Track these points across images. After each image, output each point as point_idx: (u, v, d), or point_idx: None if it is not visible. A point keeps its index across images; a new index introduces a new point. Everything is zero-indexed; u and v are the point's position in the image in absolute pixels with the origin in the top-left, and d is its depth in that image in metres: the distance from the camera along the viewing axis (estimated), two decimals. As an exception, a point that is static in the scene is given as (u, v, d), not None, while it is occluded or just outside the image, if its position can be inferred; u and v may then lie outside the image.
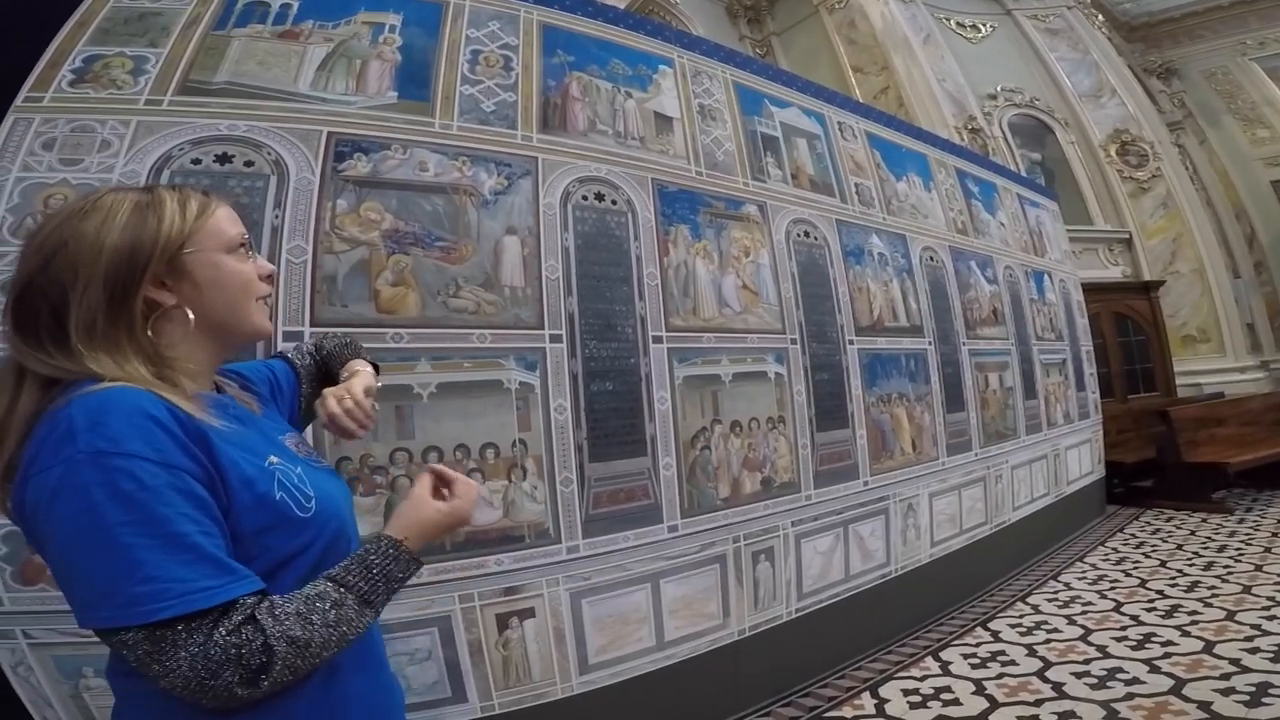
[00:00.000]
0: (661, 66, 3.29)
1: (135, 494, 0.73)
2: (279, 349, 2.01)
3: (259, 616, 0.77)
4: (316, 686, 0.86)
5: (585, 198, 2.77)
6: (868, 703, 2.93)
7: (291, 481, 0.89)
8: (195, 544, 0.76)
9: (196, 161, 2.08)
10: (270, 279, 1.01)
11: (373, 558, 0.88)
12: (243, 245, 0.96)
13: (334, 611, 0.82)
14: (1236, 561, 4.35)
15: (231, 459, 0.83)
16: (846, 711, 2.87)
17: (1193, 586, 3.97)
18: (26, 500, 0.76)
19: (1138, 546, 5.01)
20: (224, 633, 0.74)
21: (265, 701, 0.79)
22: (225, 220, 0.95)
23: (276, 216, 2.14)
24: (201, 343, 0.92)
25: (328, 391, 1.12)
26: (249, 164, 2.14)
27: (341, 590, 0.84)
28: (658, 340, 2.82)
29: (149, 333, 0.86)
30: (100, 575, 0.73)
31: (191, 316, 0.89)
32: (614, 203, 2.85)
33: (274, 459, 0.90)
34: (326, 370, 1.29)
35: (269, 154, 2.18)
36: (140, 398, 0.78)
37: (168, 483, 0.76)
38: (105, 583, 0.72)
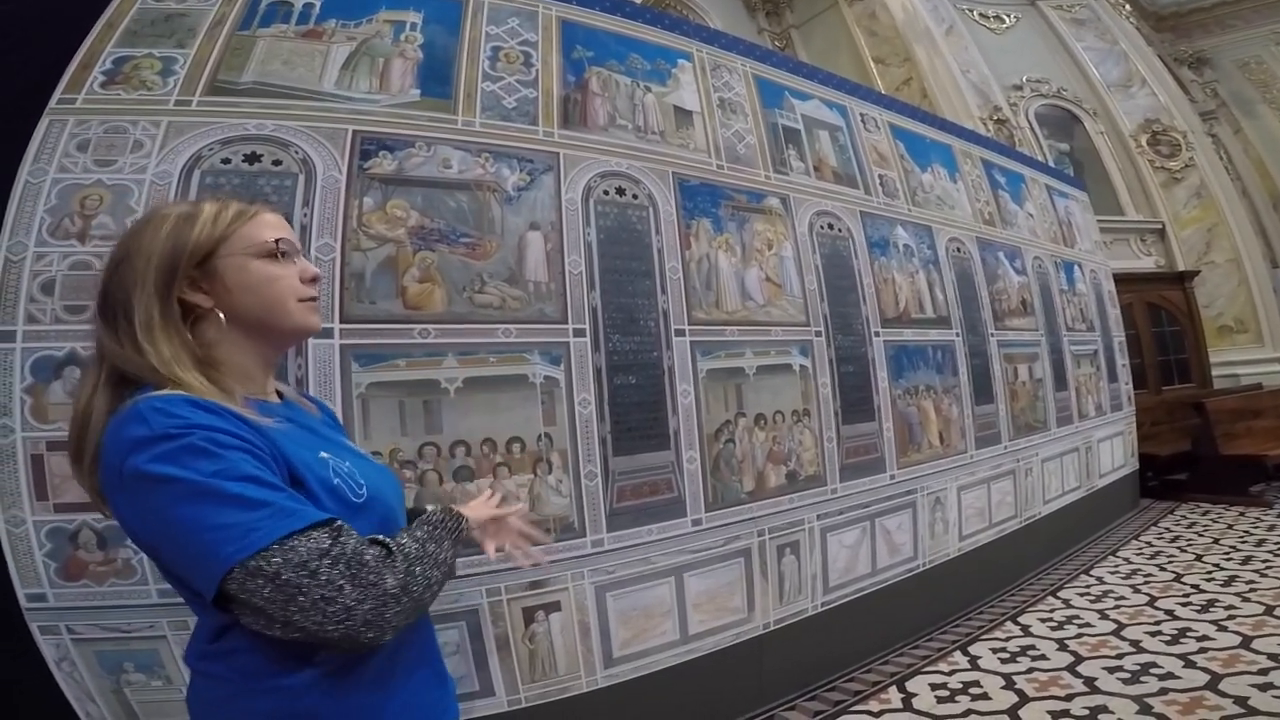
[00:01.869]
0: (680, 60, 3.29)
1: (211, 449, 0.79)
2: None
3: (375, 537, 0.87)
4: (380, 678, 0.91)
5: (606, 192, 2.78)
6: (895, 697, 2.91)
7: (343, 471, 0.95)
8: (273, 482, 0.82)
9: (226, 161, 2.11)
10: (314, 281, 1.04)
11: (430, 515, 1.01)
12: (278, 250, 0.99)
13: (433, 547, 0.92)
14: (1276, 556, 4.25)
15: (289, 445, 0.90)
16: (873, 706, 2.85)
17: (1230, 581, 3.88)
18: (106, 484, 0.83)
19: (1172, 540, 4.92)
20: (342, 534, 0.81)
21: (335, 683, 0.86)
22: (262, 226, 0.99)
23: (305, 214, 2.17)
24: (241, 343, 0.97)
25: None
26: (277, 163, 2.18)
27: (421, 531, 0.95)
28: (680, 334, 2.82)
29: (190, 334, 0.93)
30: (214, 520, 0.77)
31: (222, 317, 0.95)
32: (635, 197, 2.86)
33: (324, 454, 0.96)
34: None
35: (296, 153, 2.21)
36: (196, 399, 0.85)
37: (235, 445, 0.81)
38: (222, 526, 0.77)
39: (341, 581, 0.78)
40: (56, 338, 1.83)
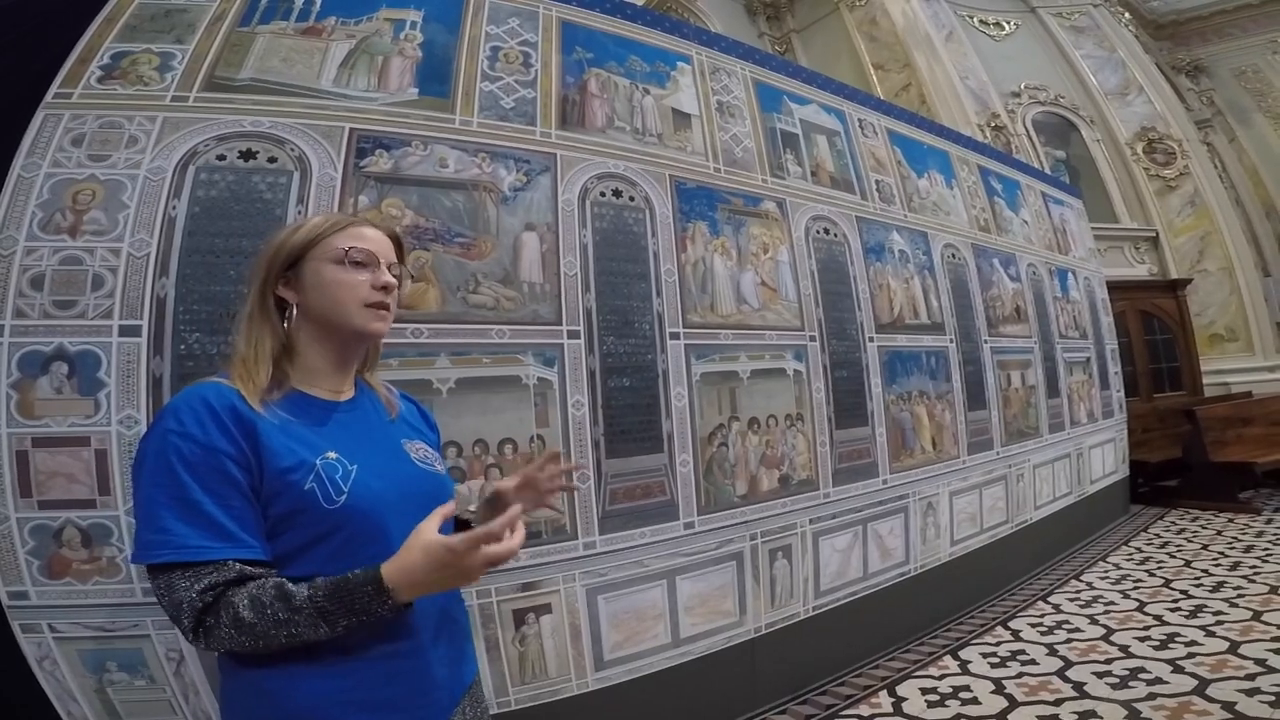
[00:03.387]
0: (680, 63, 3.29)
1: (175, 465, 0.91)
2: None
3: (224, 587, 0.91)
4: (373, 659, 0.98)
5: (603, 194, 2.78)
6: (885, 701, 2.91)
7: (332, 475, 0.99)
8: (205, 511, 0.91)
9: (221, 158, 2.10)
10: (386, 289, 1.11)
11: (350, 584, 0.91)
12: (348, 257, 1.08)
13: (286, 614, 0.90)
14: (1264, 562, 4.28)
15: (273, 450, 0.97)
16: (864, 710, 2.86)
17: (1218, 587, 3.91)
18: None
19: (1162, 546, 4.94)
20: (199, 588, 0.90)
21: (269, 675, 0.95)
22: (345, 236, 1.10)
23: (299, 212, 2.15)
24: (316, 338, 1.10)
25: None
26: (272, 160, 2.16)
27: (307, 598, 0.91)
28: (675, 337, 2.82)
29: (285, 324, 1.09)
30: (140, 523, 0.93)
31: (295, 311, 1.09)
32: (632, 199, 2.85)
33: (331, 454, 1.01)
34: None
35: (292, 150, 2.20)
36: (212, 391, 0.98)
37: (202, 461, 0.92)
38: (140, 529, 0.92)
39: (170, 614, 0.92)
40: (45, 333, 1.82)
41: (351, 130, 2.31)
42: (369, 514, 1.00)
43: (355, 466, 1.01)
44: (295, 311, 1.09)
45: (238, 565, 0.91)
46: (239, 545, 0.92)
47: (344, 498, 0.98)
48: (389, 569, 0.91)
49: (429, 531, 0.92)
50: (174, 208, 2.00)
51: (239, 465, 0.94)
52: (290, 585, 0.91)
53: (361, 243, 1.10)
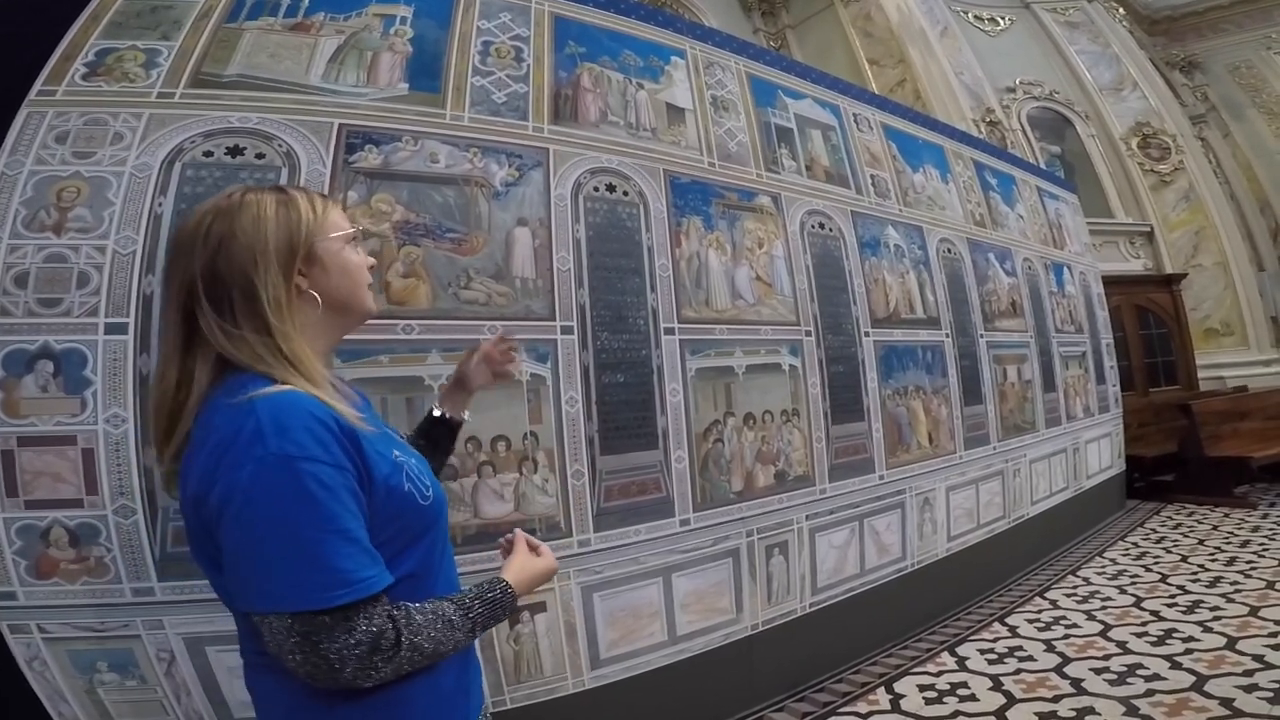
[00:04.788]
0: (674, 58, 3.26)
1: (318, 493, 0.82)
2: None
3: (396, 616, 0.87)
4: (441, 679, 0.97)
5: (597, 189, 2.76)
6: (883, 698, 2.90)
7: (414, 473, 0.98)
8: (359, 537, 0.86)
9: (208, 154, 2.07)
10: (372, 269, 1.10)
11: (490, 594, 1.01)
12: (355, 237, 1.07)
13: (448, 633, 0.91)
14: (1260, 557, 4.28)
15: (374, 458, 0.91)
16: (861, 707, 2.84)
17: (1215, 582, 3.90)
18: (214, 494, 0.83)
19: (1158, 541, 4.94)
20: (378, 622, 0.84)
21: (390, 694, 0.89)
22: (341, 215, 1.06)
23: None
24: (324, 325, 1.02)
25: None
26: (260, 156, 2.14)
27: (460, 615, 0.94)
28: (670, 332, 2.80)
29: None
30: (285, 563, 0.81)
31: (320, 300, 1.00)
32: (625, 194, 2.83)
33: (397, 453, 0.98)
34: (424, 445, 1.44)
35: (280, 146, 2.18)
36: (313, 404, 0.87)
37: (340, 483, 0.85)
38: (290, 570, 0.81)
39: (348, 657, 0.82)
40: (29, 331, 1.79)
41: (341, 126, 2.29)
42: (444, 504, 1.04)
43: (412, 460, 1.01)
44: (301, 297, 1.00)
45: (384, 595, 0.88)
46: (383, 568, 0.88)
47: (431, 492, 0.99)
48: (514, 579, 1.07)
49: (550, 557, 1.18)
50: (160, 204, 1.97)
51: (360, 483, 0.89)
52: (444, 605, 0.94)
53: (348, 219, 1.08)
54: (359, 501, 0.87)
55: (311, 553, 0.81)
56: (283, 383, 0.89)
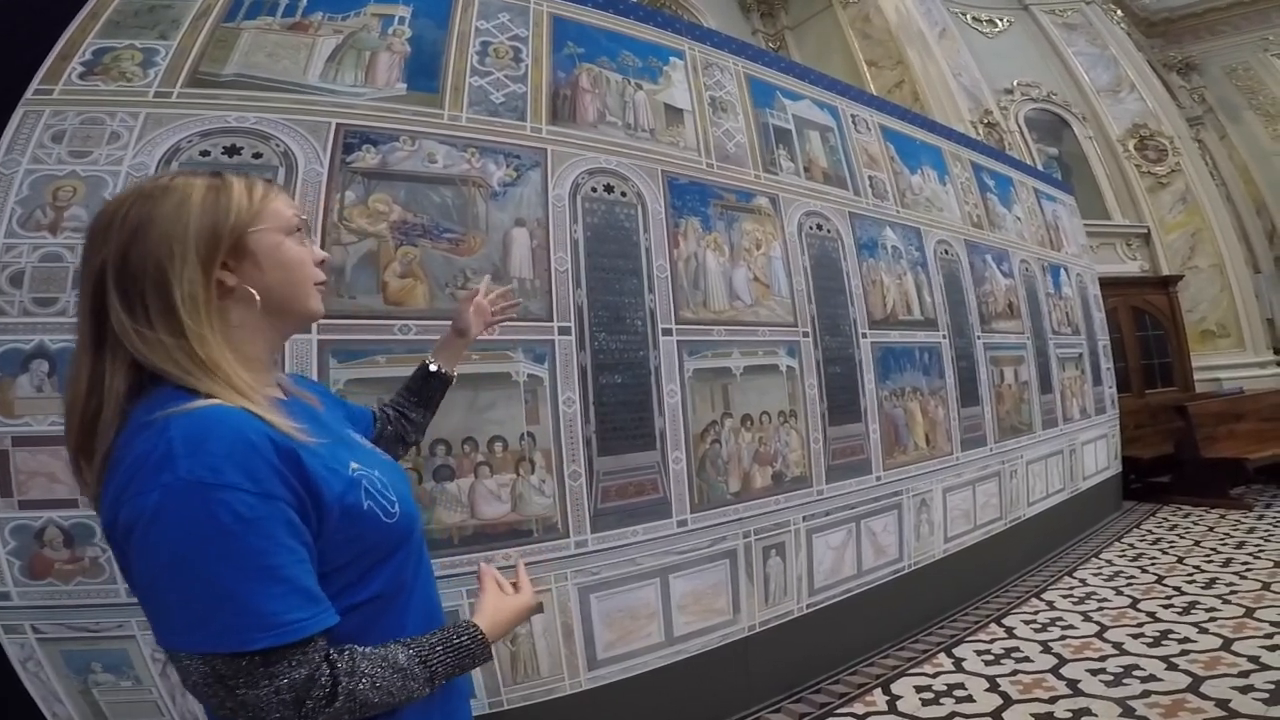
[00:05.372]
0: (672, 58, 3.27)
1: (233, 526, 0.72)
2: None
3: (335, 661, 0.78)
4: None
5: (595, 189, 2.76)
6: (880, 699, 2.90)
7: (376, 488, 0.89)
8: (288, 576, 0.75)
9: (205, 154, 2.07)
10: (324, 264, 1.00)
11: (457, 640, 0.92)
12: (300, 228, 0.95)
13: (400, 682, 0.83)
14: (1256, 558, 4.29)
15: (322, 476, 0.82)
16: (858, 708, 2.84)
17: (1211, 583, 3.91)
18: (119, 520, 0.74)
19: (1155, 543, 4.94)
20: (307, 669, 0.75)
21: None
22: (285, 203, 0.95)
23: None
24: (262, 329, 0.91)
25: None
26: (257, 156, 2.14)
27: (417, 664, 0.86)
28: (667, 333, 2.80)
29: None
30: (195, 603, 0.72)
31: (257, 298, 0.88)
32: (623, 194, 2.83)
33: (355, 465, 0.89)
34: (416, 402, 1.54)
35: (277, 146, 2.17)
36: (239, 420, 0.77)
37: (265, 514, 0.75)
38: (199, 610, 0.72)
39: (274, 704, 0.74)
40: (25, 330, 1.79)
41: (338, 125, 2.29)
42: (414, 519, 0.95)
43: (375, 471, 0.92)
44: (231, 295, 0.88)
45: (321, 638, 0.79)
46: (324, 609, 0.79)
47: (397, 508, 0.90)
48: (485, 624, 0.97)
49: (529, 593, 1.11)
50: (157, 204, 1.97)
51: (298, 510, 0.78)
52: (398, 651, 0.85)
53: (293, 208, 0.96)
54: (296, 532, 0.77)
55: (223, 591, 0.71)
56: (207, 395, 0.78)
